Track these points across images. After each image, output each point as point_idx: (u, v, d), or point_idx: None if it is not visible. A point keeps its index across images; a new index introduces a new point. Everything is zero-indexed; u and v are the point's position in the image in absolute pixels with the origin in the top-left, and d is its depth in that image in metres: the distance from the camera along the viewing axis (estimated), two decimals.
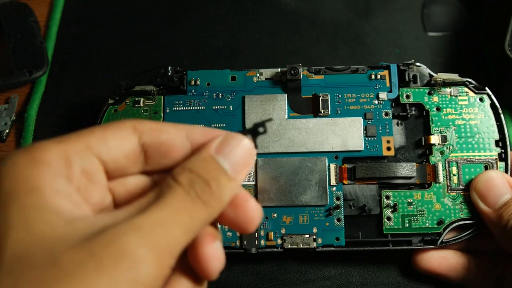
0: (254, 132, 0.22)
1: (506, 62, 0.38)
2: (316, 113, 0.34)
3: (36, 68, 0.40)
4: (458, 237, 0.32)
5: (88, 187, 0.20)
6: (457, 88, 0.34)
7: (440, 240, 0.32)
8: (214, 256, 0.20)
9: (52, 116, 0.40)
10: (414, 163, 0.33)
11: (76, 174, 0.20)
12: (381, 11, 0.46)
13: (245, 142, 0.21)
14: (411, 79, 0.35)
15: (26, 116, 0.39)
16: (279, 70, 0.35)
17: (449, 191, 0.32)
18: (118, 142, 0.21)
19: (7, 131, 0.38)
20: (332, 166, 0.33)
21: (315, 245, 0.31)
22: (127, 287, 0.17)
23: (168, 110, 0.35)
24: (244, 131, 0.22)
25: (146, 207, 0.19)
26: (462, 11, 0.46)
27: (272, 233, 0.32)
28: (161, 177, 0.22)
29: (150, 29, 0.44)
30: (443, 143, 0.33)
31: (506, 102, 0.40)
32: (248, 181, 0.33)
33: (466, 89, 0.34)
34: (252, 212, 0.21)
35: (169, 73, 0.35)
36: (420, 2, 0.46)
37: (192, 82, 0.36)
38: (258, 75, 0.35)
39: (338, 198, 0.33)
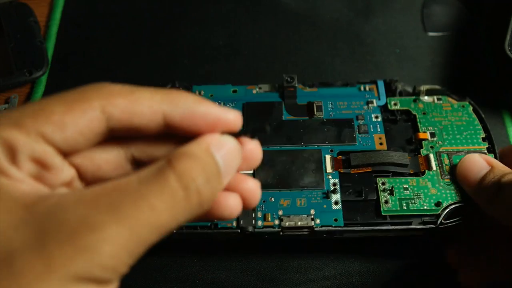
0: (253, 134, 0.22)
1: (506, 62, 0.38)
2: (311, 116, 0.36)
3: (36, 68, 0.40)
4: (457, 219, 0.32)
5: (42, 171, 0.19)
6: (440, 96, 0.37)
7: (439, 221, 0.32)
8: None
9: None
10: (407, 153, 0.34)
11: (23, 163, 0.18)
12: (381, 11, 0.46)
13: (238, 147, 0.21)
14: (398, 92, 0.37)
15: None
16: (276, 85, 0.38)
17: (443, 178, 0.33)
18: (80, 128, 0.19)
19: None
20: (328, 156, 0.34)
21: (313, 224, 0.31)
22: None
23: None
24: (244, 132, 0.22)
25: (128, 187, 0.17)
26: (462, 11, 0.46)
27: (269, 214, 0.32)
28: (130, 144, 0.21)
29: (150, 29, 0.45)
30: (432, 139, 0.35)
31: (506, 102, 0.40)
32: (246, 170, 0.33)
33: (448, 98, 0.37)
34: (252, 187, 0.21)
35: (177, 86, 0.37)
36: (420, 2, 0.46)
37: (197, 93, 0.37)
38: (257, 89, 0.38)
39: (334, 184, 0.33)
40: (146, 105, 0.19)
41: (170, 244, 0.32)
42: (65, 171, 0.19)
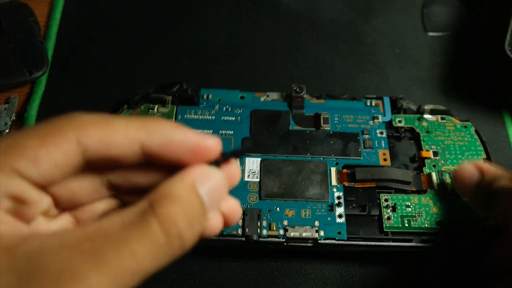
0: (239, 154, 0.21)
1: (506, 62, 0.38)
2: (317, 128, 0.37)
3: (36, 68, 0.40)
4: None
5: (19, 207, 0.18)
6: (444, 116, 0.37)
7: (440, 240, 0.32)
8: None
9: (52, 116, 0.39)
10: (410, 171, 0.34)
11: (0, 202, 0.17)
12: (381, 11, 0.46)
13: (224, 178, 0.20)
14: (402, 109, 0.38)
15: (26, 116, 0.39)
16: (284, 94, 0.38)
17: (444, 197, 0.33)
18: (55, 161, 0.18)
19: (7, 131, 0.38)
20: (333, 169, 0.34)
21: (317, 236, 0.31)
22: None
23: (180, 117, 0.36)
24: (232, 153, 0.21)
25: (110, 231, 0.17)
26: (462, 11, 0.46)
27: (274, 223, 0.32)
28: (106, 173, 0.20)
29: (150, 29, 0.45)
30: (435, 157, 0.35)
31: (506, 102, 0.41)
32: (252, 178, 0.34)
33: (452, 118, 0.37)
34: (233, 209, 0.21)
35: (184, 87, 0.37)
36: (420, 2, 0.46)
37: (205, 96, 0.38)
38: (265, 96, 0.38)
39: (339, 197, 0.33)
40: (122, 134, 0.19)
41: None
42: (42, 203, 0.19)
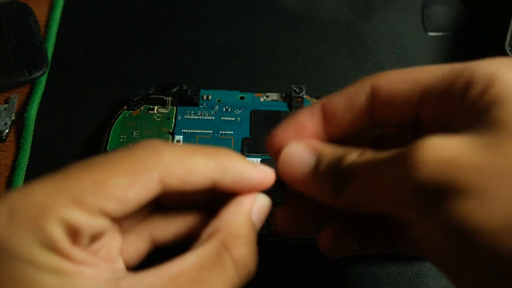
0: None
1: None
2: None
3: (36, 68, 0.40)
4: None
5: (101, 247, 0.20)
6: None
7: None
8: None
9: (52, 116, 0.40)
10: None
11: (85, 243, 0.18)
12: (381, 11, 0.46)
13: (270, 203, 0.22)
14: None
15: (26, 116, 0.39)
16: (284, 94, 0.38)
17: None
18: (140, 201, 0.19)
19: (6, 131, 0.38)
20: None
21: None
22: None
23: (180, 118, 0.36)
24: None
25: (191, 273, 0.18)
26: (462, 11, 0.46)
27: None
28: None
29: (150, 28, 0.44)
30: None
31: None
32: None
33: None
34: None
35: (184, 88, 0.37)
36: (420, 2, 0.46)
37: (204, 97, 0.38)
38: (265, 97, 0.38)
39: None
40: (201, 175, 0.20)
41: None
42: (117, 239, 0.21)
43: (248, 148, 0.35)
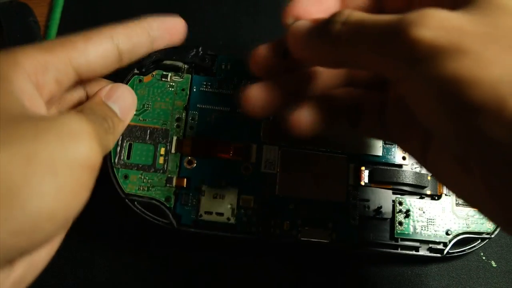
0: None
1: None
2: None
3: None
4: (463, 249, 0.33)
5: (56, 92, 0.23)
6: None
7: (446, 251, 0.32)
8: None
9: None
10: (428, 174, 0.34)
11: (48, 83, 0.23)
12: None
13: (129, 89, 0.27)
14: None
15: None
16: None
17: (457, 204, 0.33)
18: (99, 54, 0.24)
19: None
20: (351, 166, 0.33)
21: (330, 240, 0.31)
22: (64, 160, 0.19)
23: (195, 89, 0.34)
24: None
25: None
26: None
27: (288, 223, 0.31)
28: None
29: None
30: None
31: None
32: (270, 169, 0.32)
33: None
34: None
35: (200, 53, 0.35)
36: None
37: (223, 67, 0.35)
38: None
39: (354, 197, 0.32)
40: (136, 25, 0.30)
41: (175, 240, 0.32)
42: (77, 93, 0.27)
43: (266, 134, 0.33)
